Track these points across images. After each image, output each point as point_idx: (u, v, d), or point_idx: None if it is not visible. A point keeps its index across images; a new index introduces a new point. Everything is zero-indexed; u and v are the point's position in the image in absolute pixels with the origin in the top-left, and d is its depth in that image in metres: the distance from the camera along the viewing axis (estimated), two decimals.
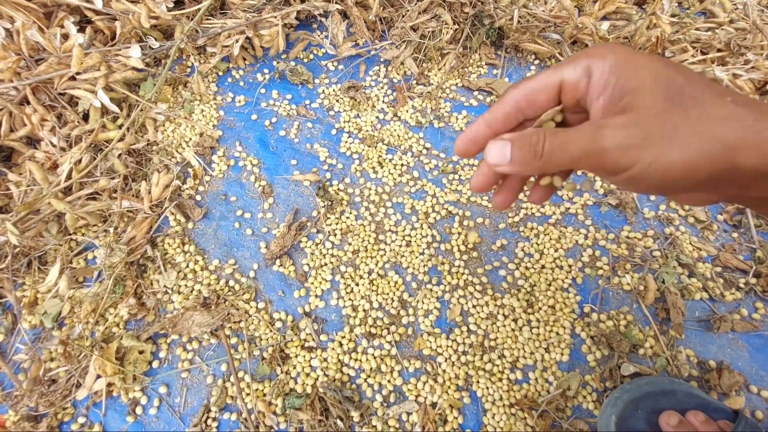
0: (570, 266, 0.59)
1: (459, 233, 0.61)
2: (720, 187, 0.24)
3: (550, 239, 0.60)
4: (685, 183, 0.23)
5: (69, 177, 0.60)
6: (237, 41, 0.71)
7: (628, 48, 0.26)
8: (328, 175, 0.66)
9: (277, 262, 0.60)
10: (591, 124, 0.25)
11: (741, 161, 0.22)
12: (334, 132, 0.69)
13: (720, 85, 0.25)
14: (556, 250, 0.60)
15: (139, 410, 0.53)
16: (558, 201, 0.63)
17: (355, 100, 0.71)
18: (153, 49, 0.69)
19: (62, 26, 0.65)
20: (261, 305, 0.57)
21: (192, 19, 0.69)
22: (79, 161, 0.61)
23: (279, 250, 0.59)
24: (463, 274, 0.58)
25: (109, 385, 0.53)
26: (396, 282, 0.58)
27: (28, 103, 0.63)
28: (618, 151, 0.24)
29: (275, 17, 0.71)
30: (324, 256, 0.60)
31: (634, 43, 0.72)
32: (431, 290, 0.57)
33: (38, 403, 0.52)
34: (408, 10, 0.72)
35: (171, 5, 0.70)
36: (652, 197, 0.63)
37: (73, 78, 0.63)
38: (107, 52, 0.66)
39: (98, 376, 0.52)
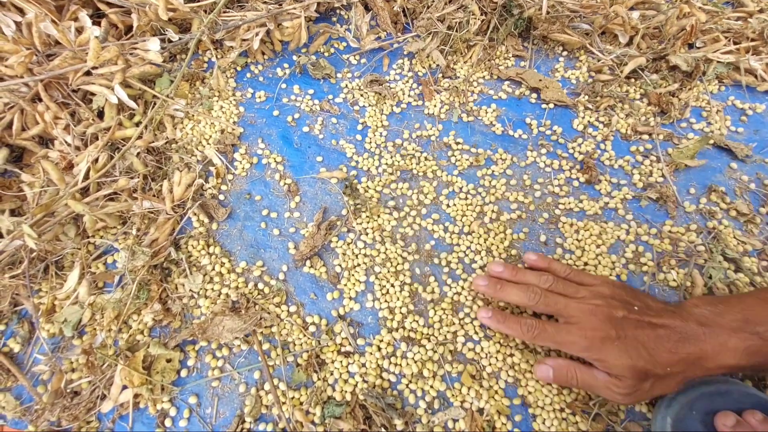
0: (613, 263, 0.56)
1: (497, 232, 0.59)
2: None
3: (591, 235, 0.58)
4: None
5: (86, 177, 0.57)
6: (257, 34, 0.68)
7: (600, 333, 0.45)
8: (354, 172, 0.63)
9: (308, 263, 0.57)
10: (606, 379, 0.45)
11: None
12: (360, 127, 0.67)
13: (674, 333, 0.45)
14: (597, 246, 0.57)
15: (168, 422, 0.50)
16: (596, 195, 0.61)
17: (380, 94, 0.68)
18: (172, 42, 0.66)
19: (75, 19, 0.62)
20: (293, 309, 0.55)
21: (210, 12, 0.66)
22: (96, 160, 0.58)
23: (309, 250, 0.57)
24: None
25: (136, 396, 0.50)
26: (432, 283, 0.55)
27: (40, 100, 0.60)
28: (619, 396, 0.45)
29: (296, 8, 0.68)
30: (356, 256, 0.57)
31: (665, 33, 0.70)
32: (471, 292, 0.55)
33: (60, 417, 0.49)
34: (434, 1, 0.69)
35: None
36: (692, 190, 0.61)
37: (88, 73, 0.60)
38: (124, 46, 0.63)
39: (124, 387, 0.49)
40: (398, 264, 0.57)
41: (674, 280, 0.56)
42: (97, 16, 0.67)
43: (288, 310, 0.55)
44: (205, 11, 0.67)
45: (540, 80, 0.68)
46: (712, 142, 0.64)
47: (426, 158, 0.64)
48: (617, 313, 0.46)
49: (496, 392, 0.50)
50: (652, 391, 0.45)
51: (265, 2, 0.68)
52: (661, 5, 0.73)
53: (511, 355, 0.52)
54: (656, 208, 0.60)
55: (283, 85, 0.70)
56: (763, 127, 0.66)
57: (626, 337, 0.44)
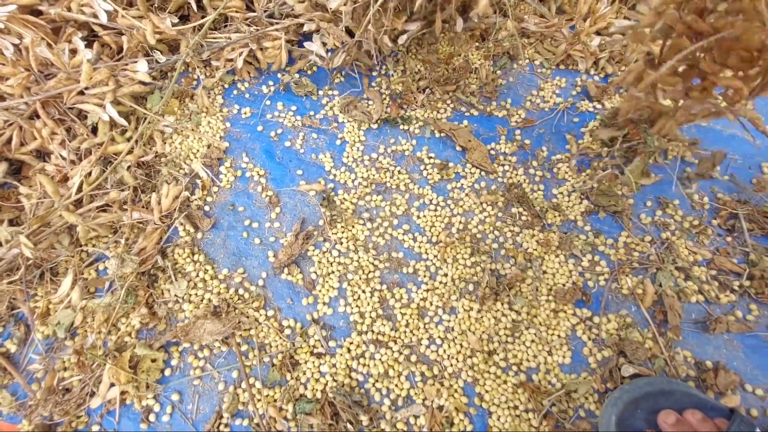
0: (570, 271, 0.61)
1: (463, 242, 0.63)
2: None
3: (552, 245, 0.62)
4: None
5: (79, 189, 0.61)
6: (240, 55, 0.72)
7: None
8: (331, 185, 0.67)
9: (285, 270, 0.61)
10: None
11: None
12: (338, 142, 0.71)
13: None
14: (556, 256, 0.61)
15: (152, 417, 0.54)
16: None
17: (354, 119, 0.72)
18: (159, 63, 0.70)
19: (70, 41, 0.67)
20: (270, 313, 0.59)
21: (197, 33, 0.71)
22: (89, 174, 0.63)
23: (287, 258, 0.61)
24: (463, 280, 0.60)
25: (123, 393, 0.54)
26: (400, 292, 0.60)
27: (38, 117, 0.64)
28: None
29: (278, 30, 0.72)
30: (331, 264, 0.61)
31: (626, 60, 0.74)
32: (440, 295, 0.59)
33: (53, 412, 0.53)
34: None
35: (176, 21, 0.72)
36: (648, 203, 0.65)
37: (81, 93, 0.64)
38: (115, 67, 0.67)
39: (112, 385, 0.54)
40: (369, 272, 0.61)
41: (628, 287, 0.60)
42: (93, 37, 0.71)
43: (266, 314, 0.59)
44: (194, 30, 0.72)
45: (469, 141, 0.70)
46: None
47: (399, 172, 0.68)
48: None
49: (456, 391, 0.54)
50: None
51: (248, 24, 0.73)
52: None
53: (471, 356, 0.56)
54: (613, 221, 0.64)
55: (268, 102, 0.74)
56: (716, 144, 0.70)
57: None
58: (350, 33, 0.76)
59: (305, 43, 0.72)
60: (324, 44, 0.71)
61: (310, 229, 0.63)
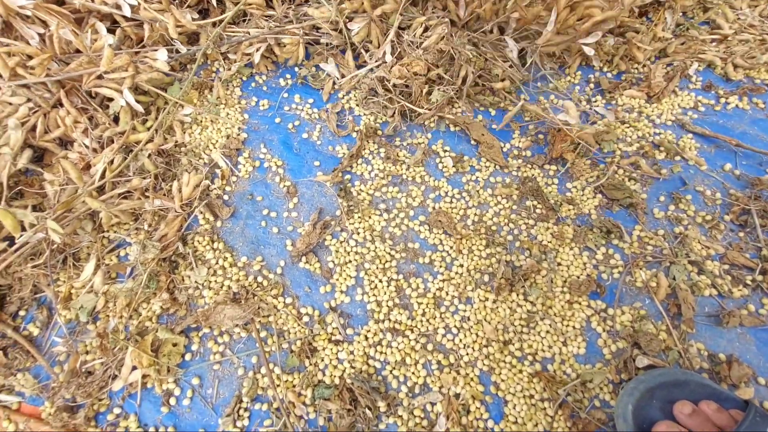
0: (584, 264, 0.61)
1: (479, 233, 0.64)
2: None
3: (566, 237, 0.63)
4: None
5: (102, 176, 0.62)
6: (258, 50, 0.73)
7: None
8: (348, 176, 0.68)
9: (303, 259, 0.62)
10: None
11: None
12: (354, 134, 0.72)
13: None
14: (571, 249, 0.62)
15: (172, 401, 0.54)
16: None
17: (371, 111, 0.73)
18: (179, 53, 0.71)
19: (94, 31, 0.68)
20: (288, 300, 0.60)
21: (217, 26, 0.72)
22: (112, 161, 0.63)
23: (305, 247, 0.62)
24: (479, 271, 0.61)
25: (144, 377, 0.55)
26: (416, 282, 0.60)
27: (62, 105, 0.65)
28: None
29: (297, 29, 0.73)
30: (348, 253, 0.62)
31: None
32: (455, 285, 0.60)
33: (75, 394, 0.54)
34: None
35: (196, 16, 0.73)
36: (662, 198, 0.66)
37: (100, 77, 0.65)
38: (135, 54, 0.68)
39: (134, 368, 0.54)
40: (386, 261, 0.61)
41: (642, 281, 0.60)
42: (115, 28, 0.72)
43: (284, 302, 0.60)
44: (214, 24, 0.73)
45: (483, 134, 0.70)
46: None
47: (415, 164, 0.69)
48: None
49: (472, 379, 0.55)
50: None
51: (266, 20, 0.74)
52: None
53: (487, 345, 0.56)
54: (627, 214, 0.65)
55: (285, 95, 0.75)
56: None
57: None
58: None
59: (322, 65, 0.74)
60: (338, 66, 0.74)
61: (327, 219, 0.64)
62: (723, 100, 0.74)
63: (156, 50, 0.69)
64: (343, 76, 0.75)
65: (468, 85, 0.71)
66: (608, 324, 0.58)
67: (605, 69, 0.78)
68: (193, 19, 0.72)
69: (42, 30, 0.66)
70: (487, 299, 0.59)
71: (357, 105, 0.74)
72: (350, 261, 0.62)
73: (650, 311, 0.58)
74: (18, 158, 0.61)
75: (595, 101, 0.75)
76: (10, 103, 0.63)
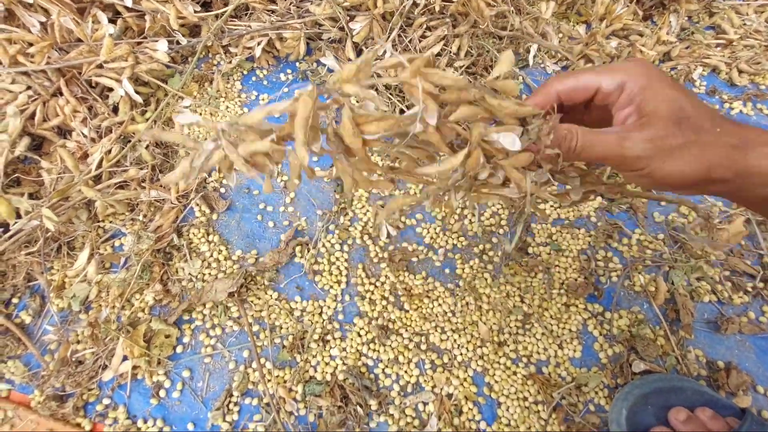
0: (583, 267, 0.60)
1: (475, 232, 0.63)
2: (703, 189, 0.32)
3: (564, 240, 0.62)
4: (678, 184, 0.31)
5: (99, 166, 0.62)
6: (259, 44, 0.73)
7: (657, 72, 0.32)
8: None
9: (297, 254, 0.61)
10: (616, 133, 0.31)
11: (714, 175, 0.30)
12: None
13: (719, 114, 0.32)
14: (570, 251, 0.61)
15: (162, 393, 0.54)
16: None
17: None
18: (180, 44, 0.71)
19: (94, 20, 0.68)
20: (282, 295, 0.59)
21: (218, 19, 0.71)
22: (109, 151, 0.63)
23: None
24: (478, 270, 0.60)
25: (134, 368, 0.54)
26: (412, 279, 0.60)
27: (61, 94, 0.65)
28: (633, 158, 0.31)
29: (299, 24, 0.73)
30: (342, 250, 0.62)
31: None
32: (447, 288, 0.59)
33: (65, 383, 0.54)
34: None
35: (198, 9, 0.73)
36: (662, 203, 0.65)
37: (100, 66, 0.65)
38: (135, 45, 0.68)
39: (124, 359, 0.54)
40: (381, 258, 0.61)
41: (641, 285, 0.59)
42: (116, 19, 0.72)
43: (277, 297, 0.59)
44: (216, 17, 0.73)
45: None
46: None
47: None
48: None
49: (465, 380, 0.54)
50: (675, 156, 0.30)
51: (268, 14, 0.73)
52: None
53: (481, 346, 0.56)
54: (627, 217, 0.64)
55: (285, 89, 0.75)
56: None
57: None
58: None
59: (321, 58, 0.73)
60: (337, 59, 0.73)
61: (301, 240, 0.63)
62: (727, 105, 0.73)
63: (157, 41, 0.69)
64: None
65: None
66: (605, 327, 0.57)
67: None
68: (195, 11, 0.71)
69: (44, 18, 0.66)
70: (482, 300, 0.58)
71: (356, 101, 0.73)
72: (344, 258, 0.61)
73: (648, 316, 0.58)
74: (16, 145, 0.61)
75: None
76: (10, 91, 0.63)
